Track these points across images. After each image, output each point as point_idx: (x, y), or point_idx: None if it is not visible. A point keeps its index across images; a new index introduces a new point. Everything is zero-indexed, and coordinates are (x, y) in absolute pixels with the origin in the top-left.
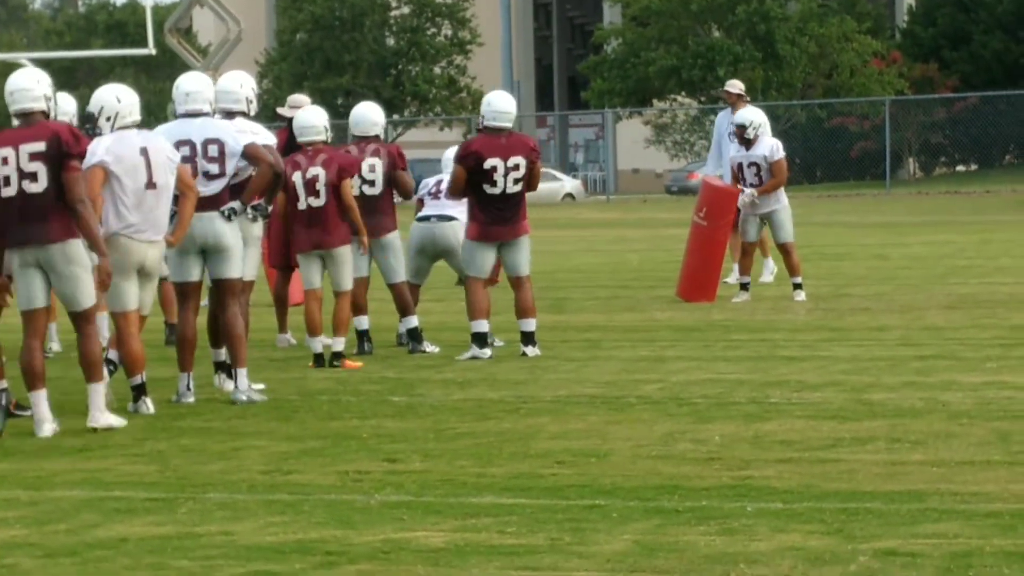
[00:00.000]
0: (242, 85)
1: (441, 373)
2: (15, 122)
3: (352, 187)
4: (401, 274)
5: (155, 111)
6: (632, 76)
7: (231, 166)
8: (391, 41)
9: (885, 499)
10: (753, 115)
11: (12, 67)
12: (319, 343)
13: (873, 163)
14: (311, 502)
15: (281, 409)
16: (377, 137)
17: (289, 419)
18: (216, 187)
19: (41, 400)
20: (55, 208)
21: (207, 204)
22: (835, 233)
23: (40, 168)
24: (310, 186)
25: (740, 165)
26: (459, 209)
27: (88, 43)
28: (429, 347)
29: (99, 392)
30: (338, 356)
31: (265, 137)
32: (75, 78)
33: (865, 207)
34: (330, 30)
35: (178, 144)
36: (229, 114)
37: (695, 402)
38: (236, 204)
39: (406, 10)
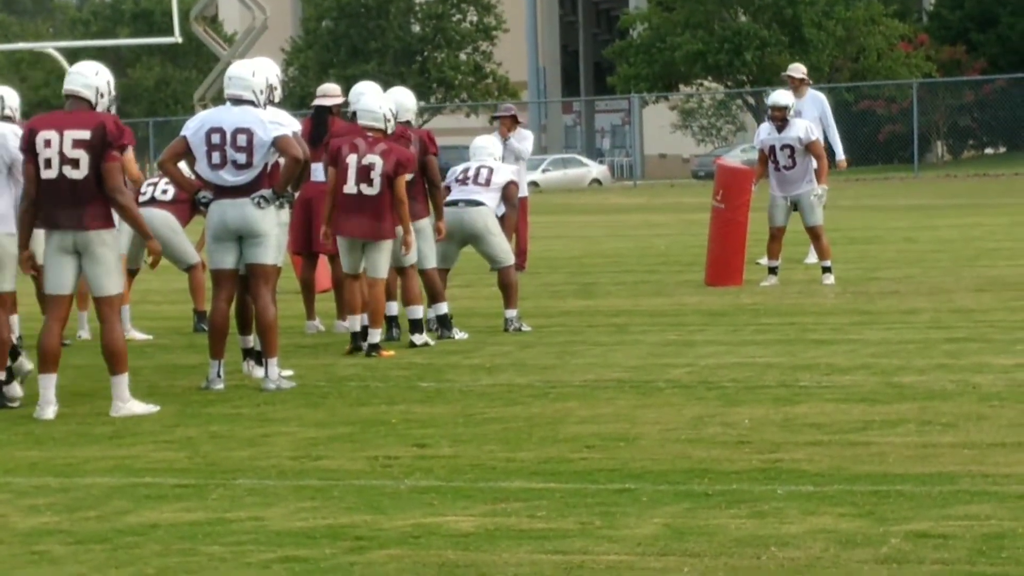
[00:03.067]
0: (255, 73)
1: (469, 359)
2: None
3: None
4: (432, 260)
5: (182, 99)
6: (658, 61)
7: (259, 157)
8: (416, 28)
9: (916, 481)
10: (790, 98)
11: (39, 56)
12: (357, 321)
13: (901, 146)
14: (341, 487)
15: (310, 395)
16: (408, 123)
17: (318, 405)
18: (245, 176)
19: (50, 384)
20: (94, 196)
21: (239, 192)
22: (864, 217)
23: (82, 155)
24: (363, 173)
25: (773, 148)
26: (487, 195)
27: (114, 32)
28: (458, 333)
29: (122, 383)
30: (375, 348)
31: (292, 125)
32: None
33: (893, 190)
34: (355, 17)
35: (211, 131)
36: (237, 101)
37: (724, 386)
38: (266, 192)
39: None
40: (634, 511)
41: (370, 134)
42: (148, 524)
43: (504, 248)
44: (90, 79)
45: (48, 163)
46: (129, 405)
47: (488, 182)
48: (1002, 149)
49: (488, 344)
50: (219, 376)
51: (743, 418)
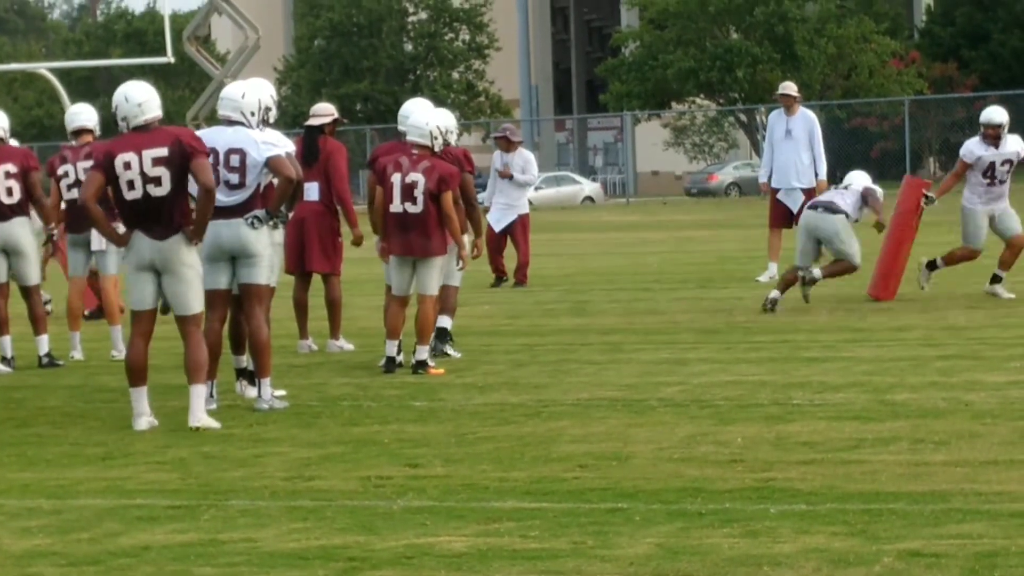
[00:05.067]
0: (244, 95)
1: (462, 377)
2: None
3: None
4: (455, 278)
5: (175, 119)
6: (650, 79)
7: (252, 177)
8: (409, 46)
9: (909, 500)
10: (1005, 115)
11: (32, 77)
12: (395, 346)
13: (893, 163)
14: (333, 508)
15: (302, 415)
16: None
17: (310, 425)
18: (238, 197)
19: (142, 396)
20: (177, 210)
21: (232, 212)
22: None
23: (164, 172)
24: (408, 191)
25: (992, 164)
26: (845, 198)
27: (107, 52)
28: (452, 351)
29: (200, 394)
30: (422, 364)
31: (285, 145)
32: (94, 87)
33: (885, 207)
34: (348, 36)
35: (208, 150)
36: (229, 122)
37: (717, 404)
38: (260, 212)
39: (424, 15)
40: (627, 531)
41: (415, 151)
42: (140, 546)
43: (855, 250)
44: (152, 100)
45: (131, 185)
46: (204, 418)
47: (847, 187)
48: None
49: (481, 363)
50: (212, 396)
51: (736, 436)
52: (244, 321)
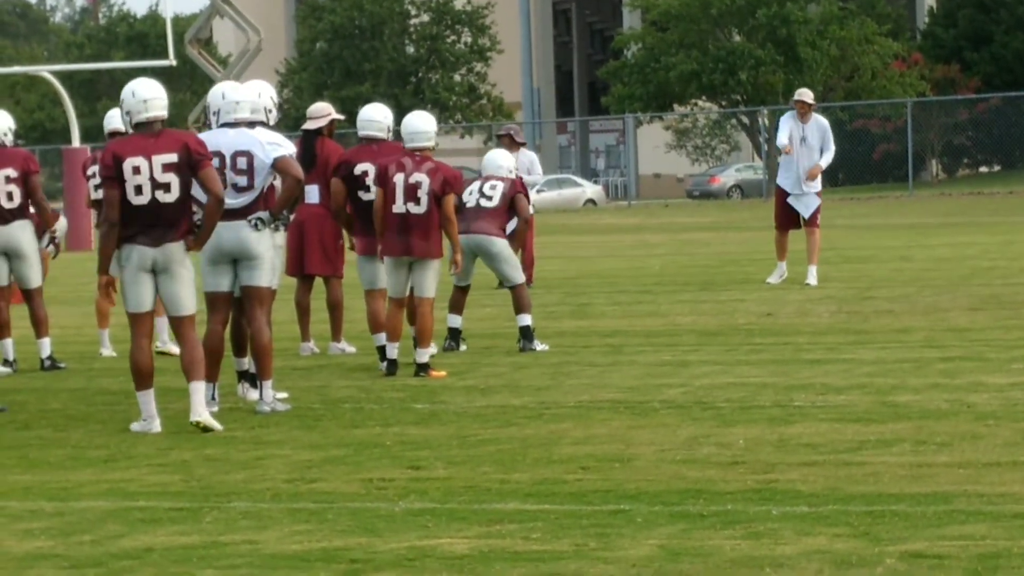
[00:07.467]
0: (260, 94)
1: (463, 380)
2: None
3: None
4: (518, 278)
5: (176, 122)
6: (652, 81)
7: (260, 179)
8: (411, 49)
9: (911, 501)
10: None
11: (34, 80)
12: (395, 348)
13: (896, 165)
14: (335, 510)
15: (304, 418)
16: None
17: (312, 427)
18: (245, 199)
19: (149, 399)
20: (182, 215)
21: (236, 214)
22: (858, 235)
23: (173, 179)
24: (411, 191)
25: None
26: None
27: (109, 55)
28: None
29: (199, 390)
30: (424, 368)
31: (288, 147)
32: (96, 90)
33: (888, 209)
34: (350, 39)
35: (211, 154)
36: (232, 124)
37: (719, 406)
38: (264, 214)
39: (426, 18)
40: (629, 532)
41: (418, 154)
42: (143, 548)
43: None
44: (161, 98)
45: (139, 190)
46: (207, 414)
47: None
48: (996, 167)
49: (482, 365)
50: (213, 399)
51: (737, 438)
52: (246, 323)
